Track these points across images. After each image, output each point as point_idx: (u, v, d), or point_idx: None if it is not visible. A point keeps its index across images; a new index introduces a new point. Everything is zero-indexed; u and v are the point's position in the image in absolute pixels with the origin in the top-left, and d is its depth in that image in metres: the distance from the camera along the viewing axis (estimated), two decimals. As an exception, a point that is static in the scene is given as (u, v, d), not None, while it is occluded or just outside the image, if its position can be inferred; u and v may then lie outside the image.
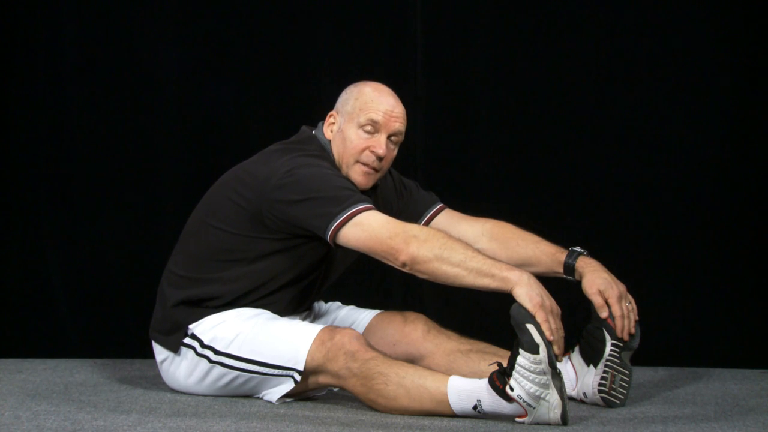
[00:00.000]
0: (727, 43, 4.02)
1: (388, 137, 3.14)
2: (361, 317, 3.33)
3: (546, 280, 2.94)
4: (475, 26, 4.10)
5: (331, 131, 3.19)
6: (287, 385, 3.03)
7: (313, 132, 3.22)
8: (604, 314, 3.10)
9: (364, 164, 3.13)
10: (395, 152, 3.19)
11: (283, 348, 3.01)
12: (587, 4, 4.06)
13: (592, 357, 3.13)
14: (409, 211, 3.34)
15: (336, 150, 3.17)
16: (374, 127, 3.13)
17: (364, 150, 3.13)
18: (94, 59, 4.10)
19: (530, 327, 2.76)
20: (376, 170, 3.15)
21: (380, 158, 3.13)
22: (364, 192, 3.14)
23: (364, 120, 3.13)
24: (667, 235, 4.05)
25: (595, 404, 3.12)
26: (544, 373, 2.75)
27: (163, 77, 4.10)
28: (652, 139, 4.05)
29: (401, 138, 3.18)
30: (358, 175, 3.14)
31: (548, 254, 3.22)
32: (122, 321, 4.05)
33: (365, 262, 3.13)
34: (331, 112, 3.20)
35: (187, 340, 3.13)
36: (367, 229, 2.94)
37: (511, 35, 4.09)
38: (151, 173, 4.11)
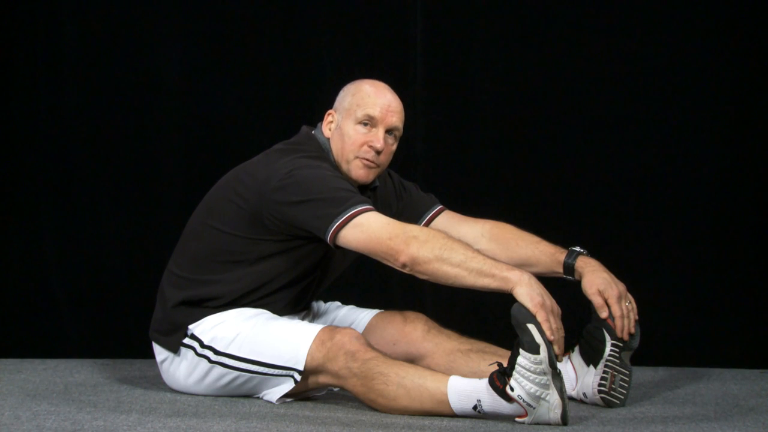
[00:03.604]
0: (728, 43, 4.02)
1: (386, 132, 3.15)
2: (361, 317, 3.33)
3: (546, 280, 2.94)
4: (475, 26, 4.10)
5: (330, 129, 3.19)
6: (287, 385, 3.03)
7: (313, 132, 3.23)
8: (604, 314, 3.10)
9: (363, 159, 3.14)
10: (394, 147, 3.19)
11: (283, 348, 3.01)
12: (587, 4, 4.06)
13: (592, 357, 3.13)
14: (408, 213, 3.34)
15: (335, 147, 3.17)
16: (371, 122, 3.13)
17: (362, 145, 3.13)
18: (95, 59, 4.10)
19: (531, 327, 2.76)
20: (375, 164, 3.15)
21: (378, 152, 3.13)
22: (363, 187, 3.15)
23: (361, 115, 3.13)
24: (667, 235, 4.05)
25: (595, 404, 3.12)
26: (545, 374, 2.75)
27: (163, 77, 4.10)
28: (652, 139, 4.05)
29: (400, 133, 3.19)
30: (358, 169, 3.14)
31: (548, 254, 3.23)
32: (122, 321, 4.05)
33: (365, 261, 3.13)
34: (330, 111, 3.21)
35: (186, 341, 3.13)
36: (367, 230, 2.94)
37: (511, 35, 4.09)
38: (151, 173, 4.11)
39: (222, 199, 3.15)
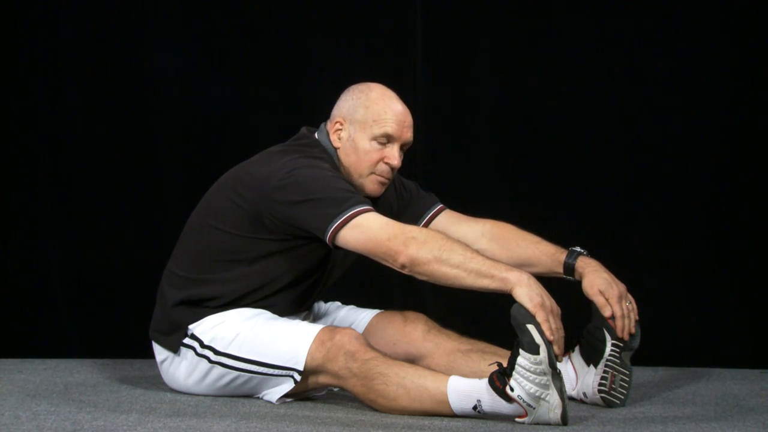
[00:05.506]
0: (728, 43, 4.02)
1: (400, 147, 3.16)
2: (361, 317, 3.33)
3: (546, 280, 2.94)
4: (476, 26, 4.10)
5: (339, 138, 3.18)
6: (287, 385, 3.03)
7: (316, 134, 3.22)
8: (607, 313, 3.09)
9: (379, 175, 3.15)
10: (402, 157, 3.20)
11: (283, 348, 3.01)
12: (588, 4, 4.06)
13: (592, 357, 3.13)
14: (408, 212, 3.34)
15: (346, 159, 3.16)
16: (388, 140, 3.14)
17: (378, 162, 3.14)
18: (94, 59, 4.10)
19: (530, 327, 2.76)
20: (390, 180, 3.17)
21: (394, 169, 3.15)
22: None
23: (379, 133, 3.13)
24: (668, 235, 4.04)
25: (595, 404, 3.12)
26: (545, 374, 2.75)
27: (163, 77, 4.10)
28: (652, 140, 4.05)
29: (411, 144, 3.20)
30: (372, 184, 3.16)
31: (548, 254, 3.23)
32: (122, 321, 4.05)
33: (365, 262, 3.13)
34: (338, 119, 3.18)
35: (187, 341, 3.13)
36: (366, 231, 2.94)
37: (512, 35, 4.09)
38: (151, 173, 4.11)
39: (222, 199, 3.15)
